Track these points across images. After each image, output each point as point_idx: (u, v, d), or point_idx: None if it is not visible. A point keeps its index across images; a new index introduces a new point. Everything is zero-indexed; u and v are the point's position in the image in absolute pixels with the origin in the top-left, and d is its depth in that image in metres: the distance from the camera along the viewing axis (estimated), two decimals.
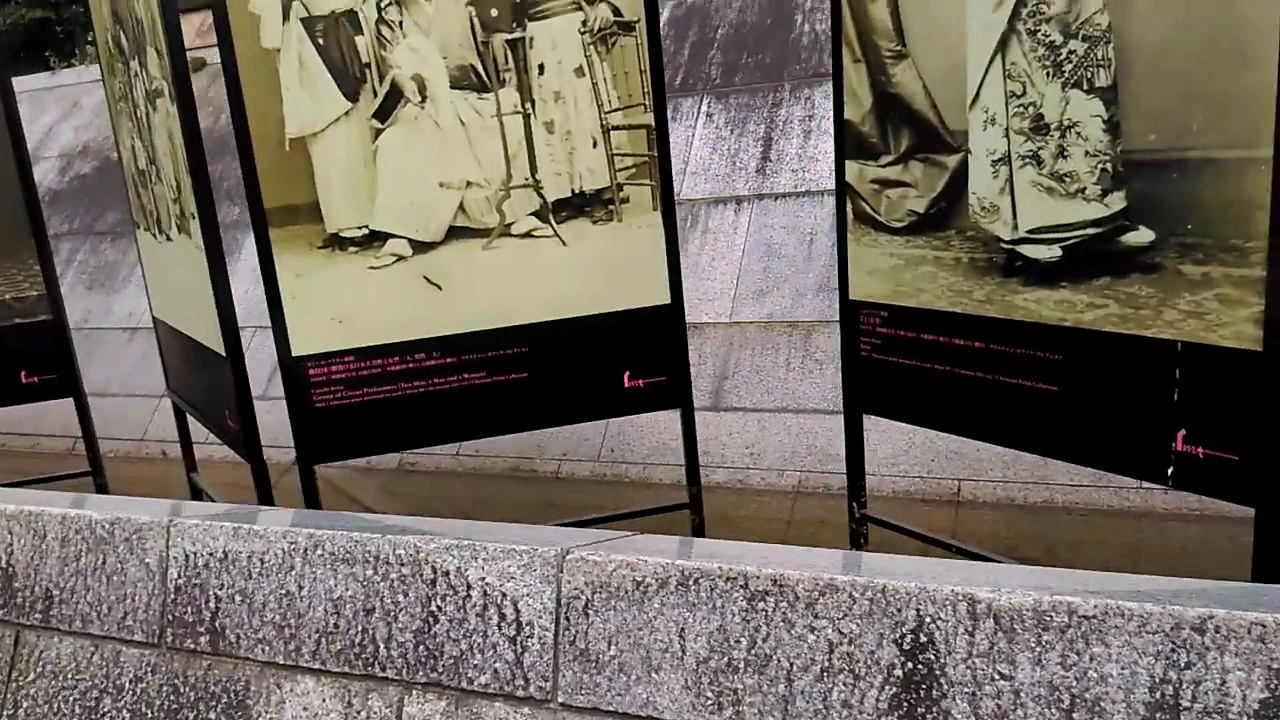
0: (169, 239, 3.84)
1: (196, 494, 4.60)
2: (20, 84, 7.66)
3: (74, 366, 4.66)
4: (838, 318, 4.47)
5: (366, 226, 3.30)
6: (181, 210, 3.57)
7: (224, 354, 3.44)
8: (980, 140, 2.77)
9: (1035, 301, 2.72)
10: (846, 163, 3.19)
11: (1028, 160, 2.67)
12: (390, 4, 3.18)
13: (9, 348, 4.61)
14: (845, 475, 4.00)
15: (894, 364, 3.17)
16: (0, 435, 5.86)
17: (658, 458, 4.34)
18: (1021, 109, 2.67)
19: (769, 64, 5.27)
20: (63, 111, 7.36)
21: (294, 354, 3.33)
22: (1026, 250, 2.72)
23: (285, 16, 3.13)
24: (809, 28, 5.30)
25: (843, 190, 3.22)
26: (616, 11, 3.28)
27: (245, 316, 3.43)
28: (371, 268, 3.33)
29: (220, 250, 3.34)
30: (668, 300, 3.50)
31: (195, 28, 7.13)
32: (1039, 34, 2.59)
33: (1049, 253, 2.67)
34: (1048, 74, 2.59)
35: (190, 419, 4.48)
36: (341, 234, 3.30)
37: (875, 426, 4.05)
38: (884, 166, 3.09)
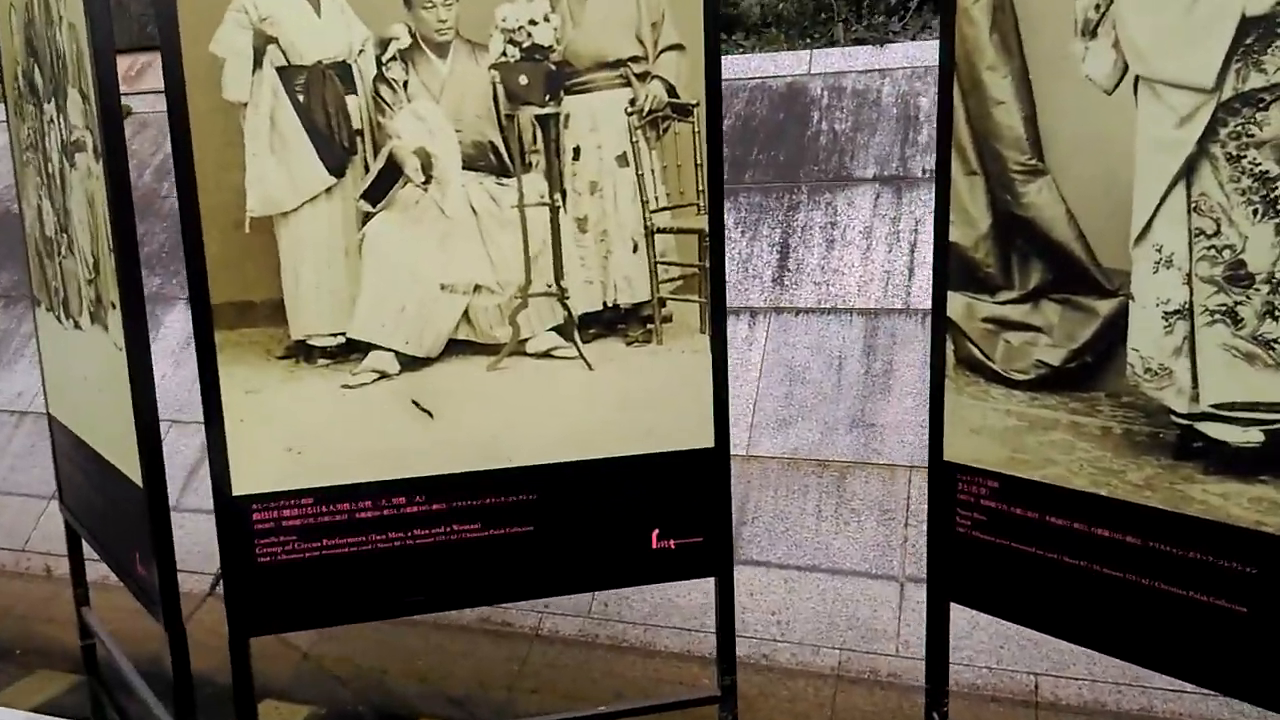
0: (78, 326, 3.04)
1: (86, 634, 3.71)
2: None
3: None
4: (877, 460, 3.91)
5: (344, 334, 2.59)
6: (98, 296, 2.79)
7: (140, 484, 2.65)
8: (1148, 285, 2.21)
9: (1220, 496, 2.13)
10: (950, 294, 2.60)
11: (1219, 317, 2.11)
12: (393, 59, 2.52)
13: None
14: (895, 658, 3.35)
15: (1002, 548, 2.55)
16: None
17: (662, 618, 3.63)
18: (1212, 252, 2.11)
19: (782, 162, 4.74)
20: None
21: (235, 493, 2.57)
22: (1210, 429, 2.14)
23: (257, 63, 2.44)
24: (826, 126, 4.80)
25: (941, 327, 2.62)
26: (672, 91, 2.67)
27: (160, 407, 2.65)
28: (346, 386, 2.60)
29: (147, 355, 2.58)
30: (710, 444, 2.84)
31: (123, 71, 6.35)
32: (1244, 160, 2.06)
33: (1244, 436, 2.10)
34: (1255, 212, 2.04)
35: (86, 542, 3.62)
36: (310, 341, 2.57)
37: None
38: (1003, 304, 2.51)
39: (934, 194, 2.62)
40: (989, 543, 2.59)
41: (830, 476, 3.78)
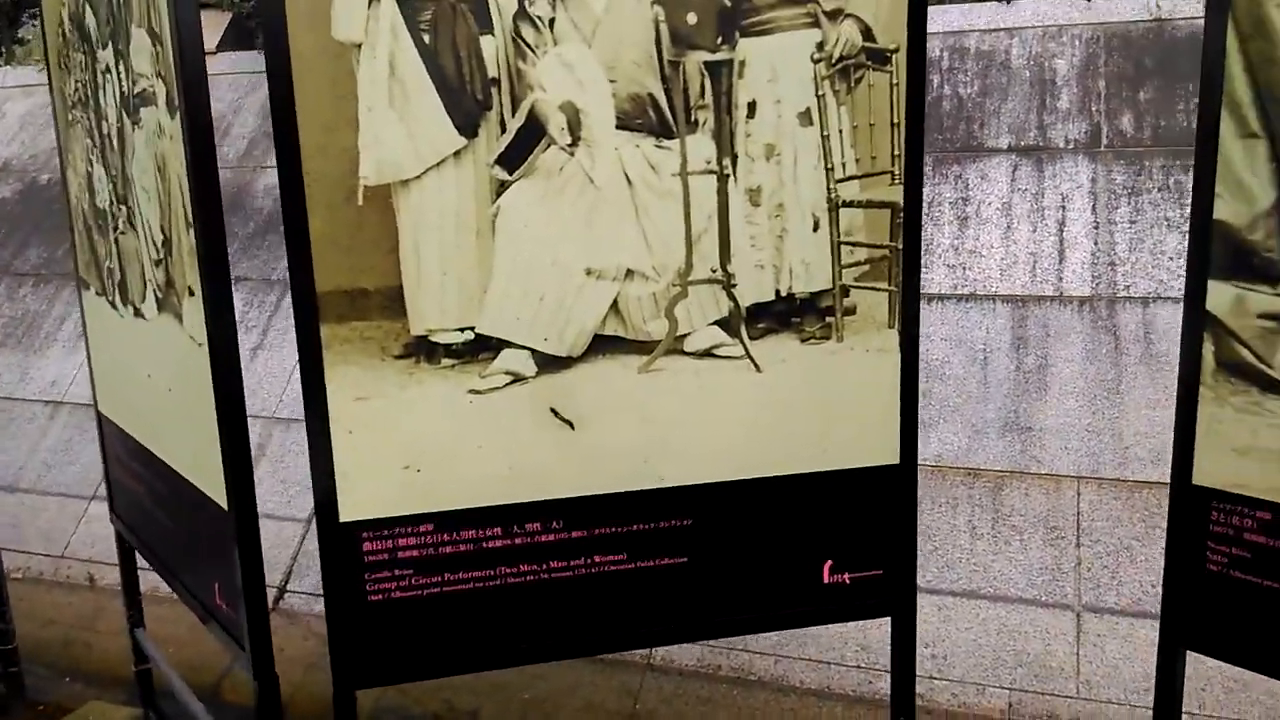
0: (139, 314, 2.59)
1: (141, 658, 3.28)
2: None
3: None
4: (1036, 469, 3.42)
5: (472, 329, 2.13)
6: (168, 279, 2.34)
7: (225, 506, 2.21)
8: None
9: None
10: (1211, 284, 2.13)
11: None
12: None
13: None
14: (1076, 699, 2.90)
15: (1270, 591, 2.09)
16: None
17: (795, 648, 3.18)
18: None
19: None
20: None
21: (342, 519, 2.12)
22: None
23: None
24: (949, 90, 4.31)
25: (1198, 321, 2.15)
26: (868, 33, 2.20)
27: None
28: (474, 391, 2.15)
29: (234, 353, 2.12)
30: (895, 459, 2.38)
31: None
32: None
33: None
34: None
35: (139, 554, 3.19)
36: (433, 337, 2.12)
37: (1129, 634, 2.97)
38: None
39: (1194, 161, 2.14)
40: (1252, 585, 2.13)
41: (984, 488, 3.32)
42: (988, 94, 4.20)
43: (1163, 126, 3.88)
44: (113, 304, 2.79)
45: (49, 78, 3.00)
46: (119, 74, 2.41)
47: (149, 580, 3.28)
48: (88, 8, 2.56)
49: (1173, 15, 4.10)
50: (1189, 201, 3.56)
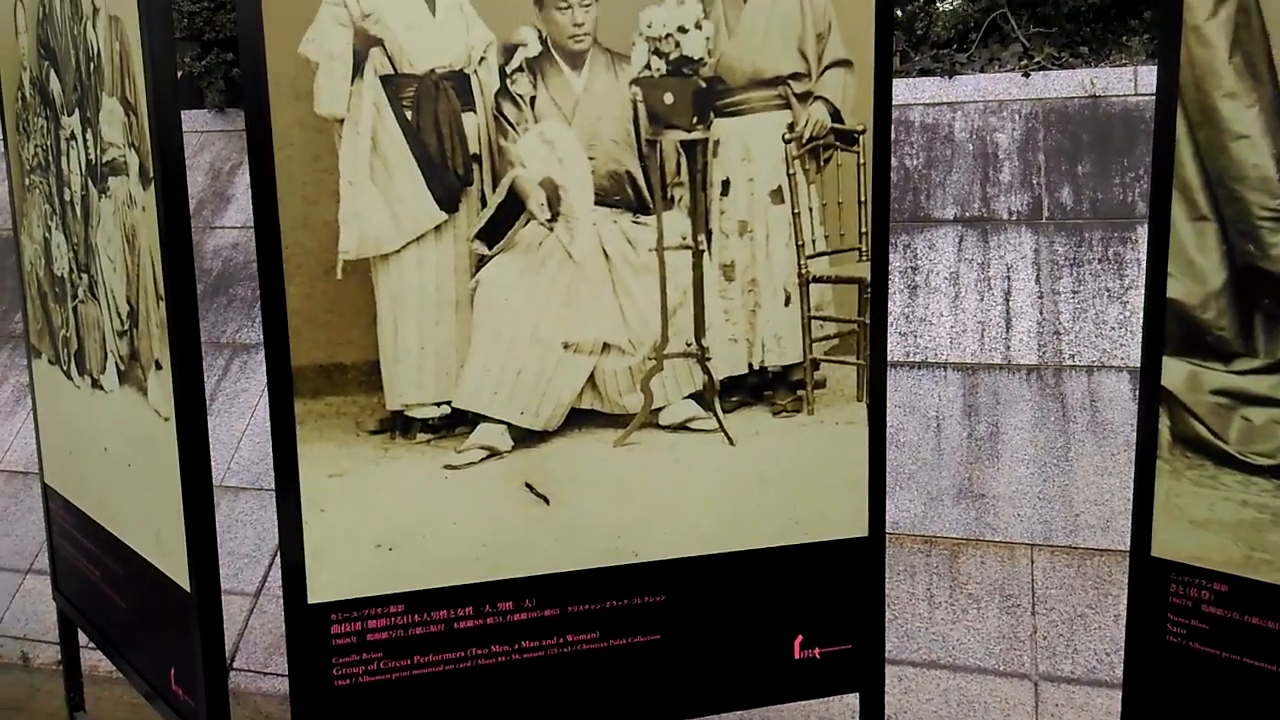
0: (96, 385, 2.52)
1: None
2: None
3: None
4: (991, 536, 3.49)
5: (448, 403, 2.11)
6: (132, 351, 2.29)
7: (186, 588, 2.14)
8: None
9: None
10: (1166, 360, 2.21)
11: None
12: (519, 69, 2.08)
13: None
14: None
15: (1229, 663, 2.15)
16: None
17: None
18: None
19: None
20: None
21: (311, 600, 2.07)
22: None
23: (357, 71, 1.98)
24: (896, 162, 4.44)
25: (1154, 397, 2.23)
26: (836, 115, 2.27)
27: None
28: (449, 466, 2.13)
29: (204, 430, 2.08)
30: (864, 532, 2.41)
31: None
32: None
33: None
34: None
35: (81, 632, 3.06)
36: (409, 412, 2.10)
37: (1086, 703, 3.01)
38: (1242, 374, 2.12)
39: (1147, 242, 2.24)
40: (1210, 656, 2.19)
41: (941, 556, 3.37)
42: (933, 166, 4.34)
43: (1100, 199, 4.04)
44: (68, 374, 2.71)
45: (4, 140, 2.94)
46: (85, 141, 2.37)
47: (86, 658, 3.15)
48: (52, 72, 2.52)
49: (1106, 92, 4.30)
50: (1128, 273, 3.72)
